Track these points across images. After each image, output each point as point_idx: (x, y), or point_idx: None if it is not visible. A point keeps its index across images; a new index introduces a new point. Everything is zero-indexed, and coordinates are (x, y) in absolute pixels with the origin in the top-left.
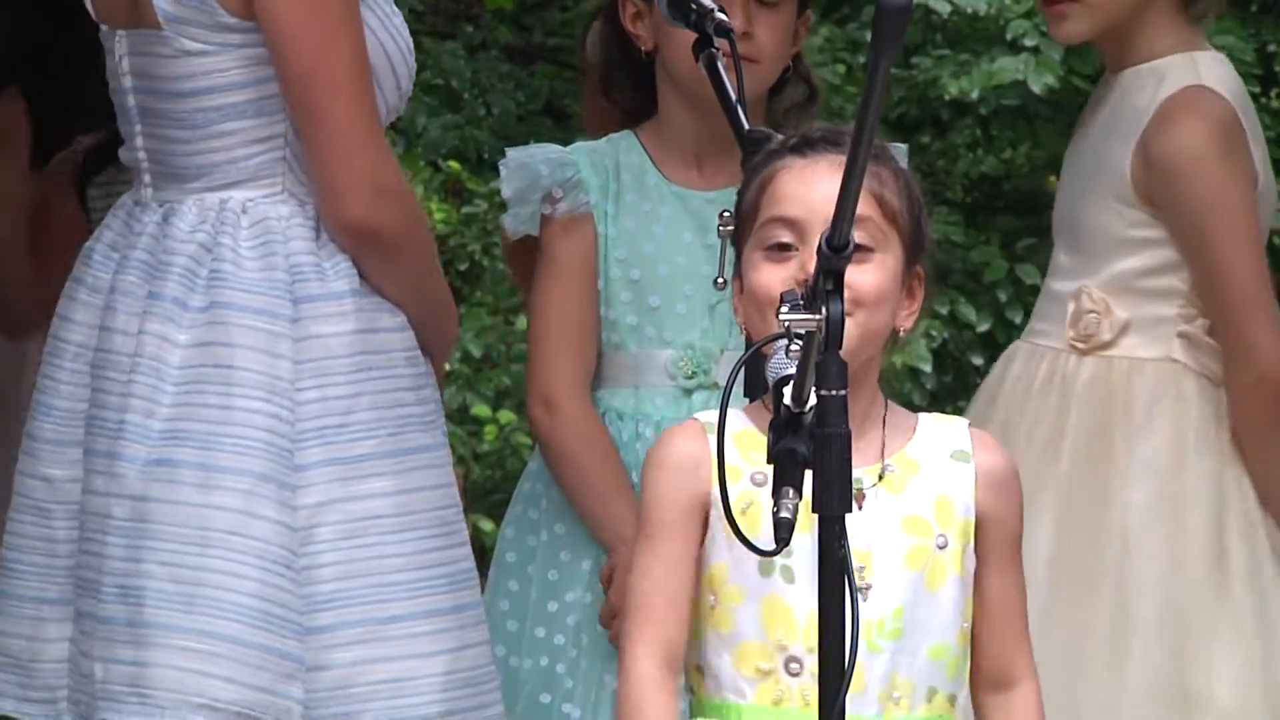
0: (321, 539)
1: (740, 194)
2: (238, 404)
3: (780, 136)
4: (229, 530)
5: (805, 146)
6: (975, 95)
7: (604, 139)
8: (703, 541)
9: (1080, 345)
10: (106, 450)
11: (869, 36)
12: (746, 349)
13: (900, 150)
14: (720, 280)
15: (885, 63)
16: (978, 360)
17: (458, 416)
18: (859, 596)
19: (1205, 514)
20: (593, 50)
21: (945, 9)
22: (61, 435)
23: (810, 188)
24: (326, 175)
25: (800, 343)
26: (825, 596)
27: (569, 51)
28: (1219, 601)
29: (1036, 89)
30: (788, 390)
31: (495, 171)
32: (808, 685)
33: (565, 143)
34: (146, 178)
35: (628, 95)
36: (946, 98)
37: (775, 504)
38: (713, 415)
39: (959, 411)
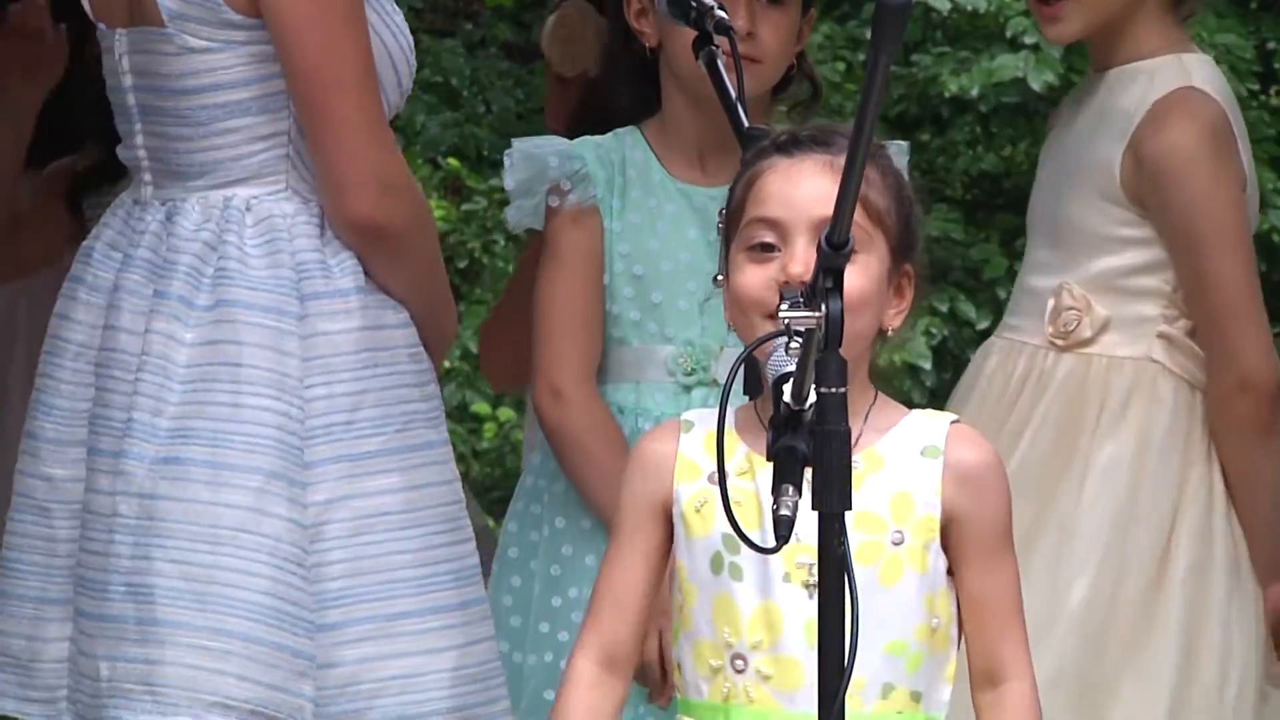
0: (330, 536)
1: (730, 192)
2: (247, 401)
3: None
4: (240, 528)
5: (791, 146)
6: (975, 92)
7: (609, 134)
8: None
9: (1059, 342)
10: (112, 449)
11: (869, 34)
12: (745, 347)
13: (901, 148)
14: (720, 278)
15: (885, 60)
16: None
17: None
18: (807, 594)
19: (1155, 519)
20: (548, 45)
21: (945, 6)
22: (63, 435)
23: (794, 188)
24: (333, 172)
25: (799, 340)
26: (825, 595)
27: None
28: (1146, 620)
29: (1036, 86)
30: (787, 388)
31: (494, 169)
32: (751, 682)
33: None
34: (147, 176)
35: (632, 91)
36: (946, 95)
37: (775, 501)
38: (698, 413)
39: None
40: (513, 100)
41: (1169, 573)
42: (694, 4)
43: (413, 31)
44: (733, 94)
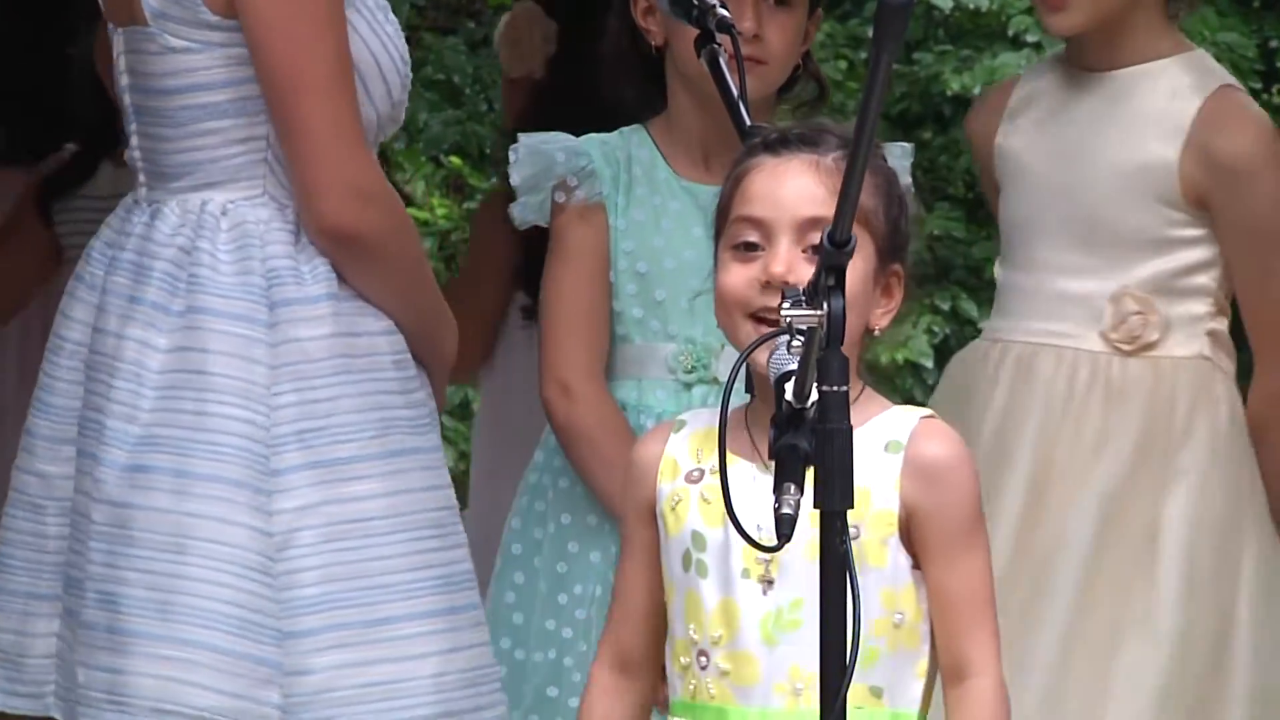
0: (304, 542)
1: (721, 191)
2: (212, 409)
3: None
4: (204, 537)
5: (779, 145)
6: (977, 91)
7: (615, 132)
8: None
9: (1126, 347)
10: (91, 453)
11: (870, 32)
12: (747, 346)
13: (905, 150)
14: None
15: (887, 59)
16: None
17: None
18: (761, 590)
19: (1229, 519)
20: (498, 45)
21: (947, 5)
22: (57, 432)
23: (779, 187)
24: (303, 178)
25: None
26: (826, 594)
27: None
28: (1225, 634)
29: None
30: (789, 386)
31: (497, 166)
32: (712, 678)
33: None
34: (141, 177)
35: (638, 89)
36: (948, 93)
37: (776, 499)
38: (694, 413)
39: None
40: None
41: (1242, 572)
42: (696, 2)
43: (414, 29)
44: (734, 92)
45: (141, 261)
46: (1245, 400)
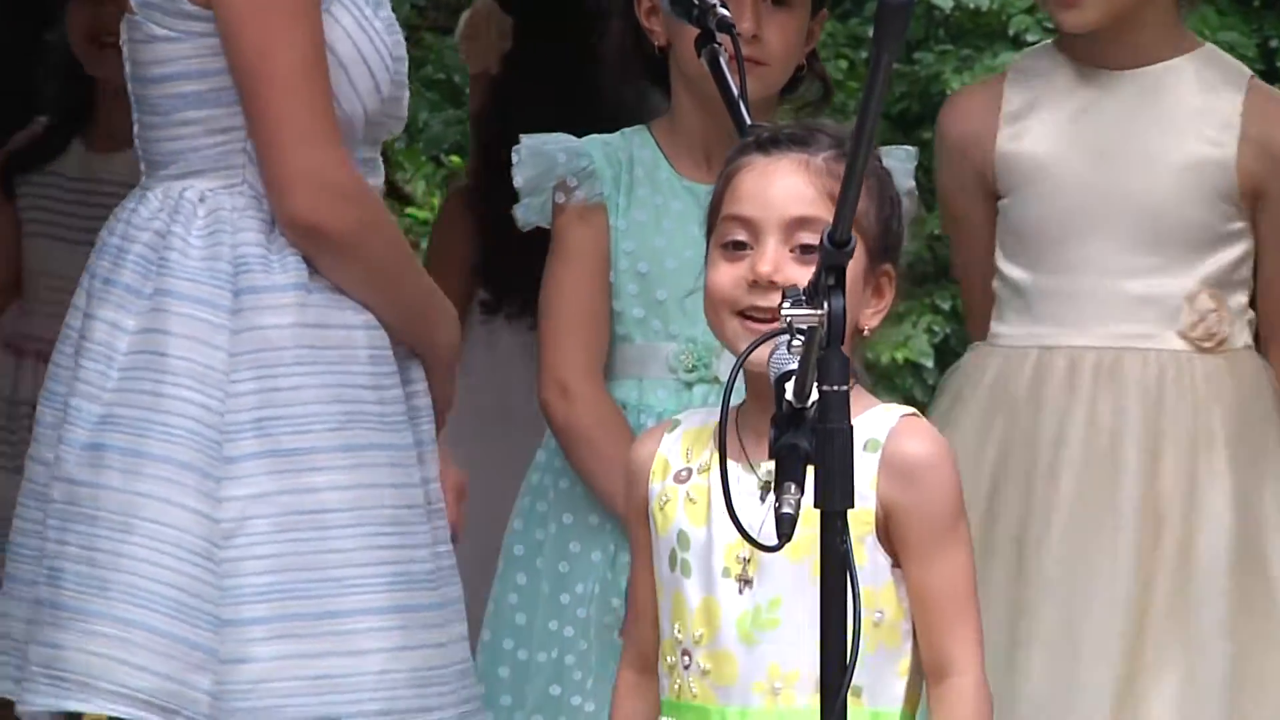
0: (255, 531)
1: (713, 189)
2: (167, 391)
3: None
4: (148, 517)
5: (770, 144)
6: None
7: (617, 133)
8: None
9: (1206, 345)
10: (59, 433)
11: (871, 32)
12: (747, 346)
13: (909, 153)
14: None
15: (887, 58)
16: None
17: None
18: (738, 589)
19: None
20: (458, 41)
21: (948, 4)
22: (57, 419)
23: (768, 186)
24: (270, 170)
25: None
26: (826, 594)
27: None
28: None
29: None
30: (789, 386)
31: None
32: (694, 678)
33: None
34: (142, 165)
35: (639, 90)
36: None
37: (777, 499)
38: (691, 412)
39: None
40: None
41: None
42: (696, 2)
43: (414, 29)
44: (735, 92)
45: (122, 245)
46: None
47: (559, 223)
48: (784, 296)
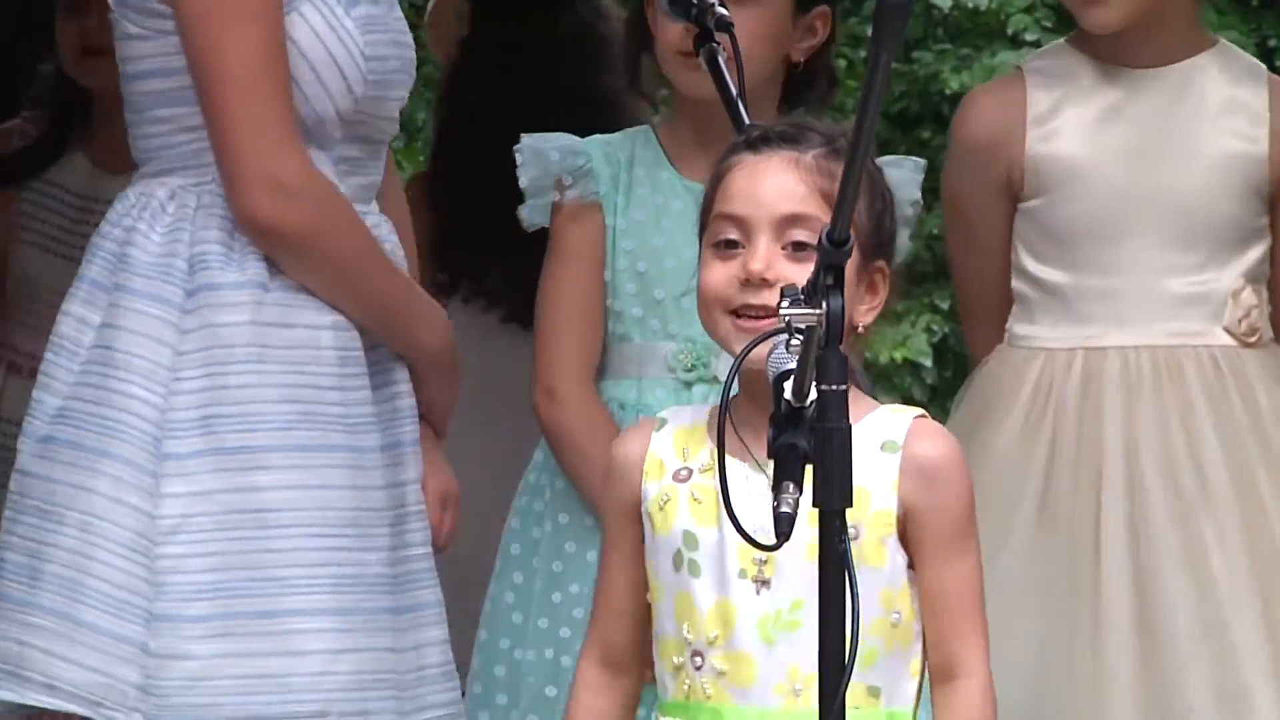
0: (197, 529)
1: (705, 188)
2: (113, 386)
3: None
4: (83, 510)
5: (760, 143)
6: None
7: (621, 132)
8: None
9: (1250, 340)
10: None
11: (870, 31)
12: (746, 345)
13: (917, 164)
14: None
15: (886, 57)
16: None
17: None
18: (755, 590)
19: None
20: (426, 23)
21: (946, 4)
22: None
23: (758, 185)
24: (224, 169)
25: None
26: (825, 593)
27: None
28: None
29: None
30: (788, 385)
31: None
32: (708, 679)
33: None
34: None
35: (653, 89)
36: (947, 92)
37: (775, 498)
38: (673, 410)
39: None
40: None
41: None
42: (695, 1)
43: (414, 29)
44: (733, 91)
45: (96, 242)
46: None
47: (555, 222)
48: (782, 295)
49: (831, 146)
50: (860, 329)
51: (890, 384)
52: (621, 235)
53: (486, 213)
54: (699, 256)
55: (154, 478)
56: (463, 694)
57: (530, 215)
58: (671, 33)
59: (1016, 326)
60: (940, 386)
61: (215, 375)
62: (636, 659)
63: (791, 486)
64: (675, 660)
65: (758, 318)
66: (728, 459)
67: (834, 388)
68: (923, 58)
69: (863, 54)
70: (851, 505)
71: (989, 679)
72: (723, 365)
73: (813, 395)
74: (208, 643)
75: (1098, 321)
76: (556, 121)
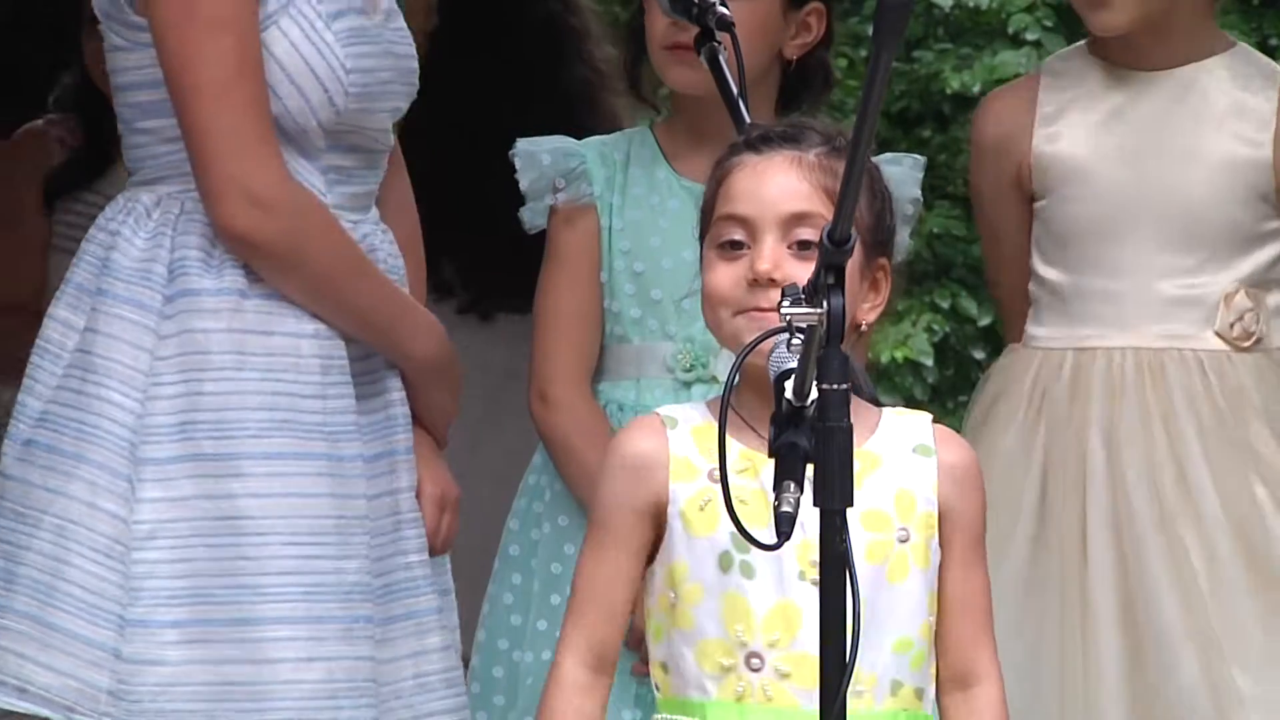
0: (172, 534)
1: (705, 190)
2: (91, 391)
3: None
4: (59, 515)
5: (761, 143)
6: (977, 89)
7: (619, 133)
8: (659, 541)
9: (1243, 344)
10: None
11: (870, 30)
12: (745, 345)
13: (916, 161)
14: None
15: (886, 57)
16: (979, 354)
17: None
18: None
19: None
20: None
21: (947, 3)
22: None
23: (762, 185)
24: (199, 180)
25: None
26: (826, 592)
27: None
28: None
29: None
30: (789, 384)
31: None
32: (768, 680)
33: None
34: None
35: (652, 90)
36: (948, 91)
37: (776, 497)
38: (677, 409)
39: (962, 407)
40: None
41: None
42: (696, 1)
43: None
44: (734, 90)
45: (83, 248)
46: None
47: (551, 225)
48: (783, 295)
49: (831, 145)
50: (864, 327)
51: (891, 384)
52: (618, 236)
53: (444, 205)
54: (700, 258)
55: (130, 483)
56: None
57: (530, 218)
58: (659, 25)
59: (1029, 327)
60: (941, 386)
61: (192, 381)
62: (615, 657)
63: (792, 485)
64: (724, 662)
65: (766, 318)
66: (757, 460)
67: (835, 387)
68: (923, 57)
69: (863, 53)
70: (851, 504)
71: (1003, 686)
72: (722, 365)
73: (814, 394)
74: (180, 649)
75: (1096, 323)
76: (527, 114)
